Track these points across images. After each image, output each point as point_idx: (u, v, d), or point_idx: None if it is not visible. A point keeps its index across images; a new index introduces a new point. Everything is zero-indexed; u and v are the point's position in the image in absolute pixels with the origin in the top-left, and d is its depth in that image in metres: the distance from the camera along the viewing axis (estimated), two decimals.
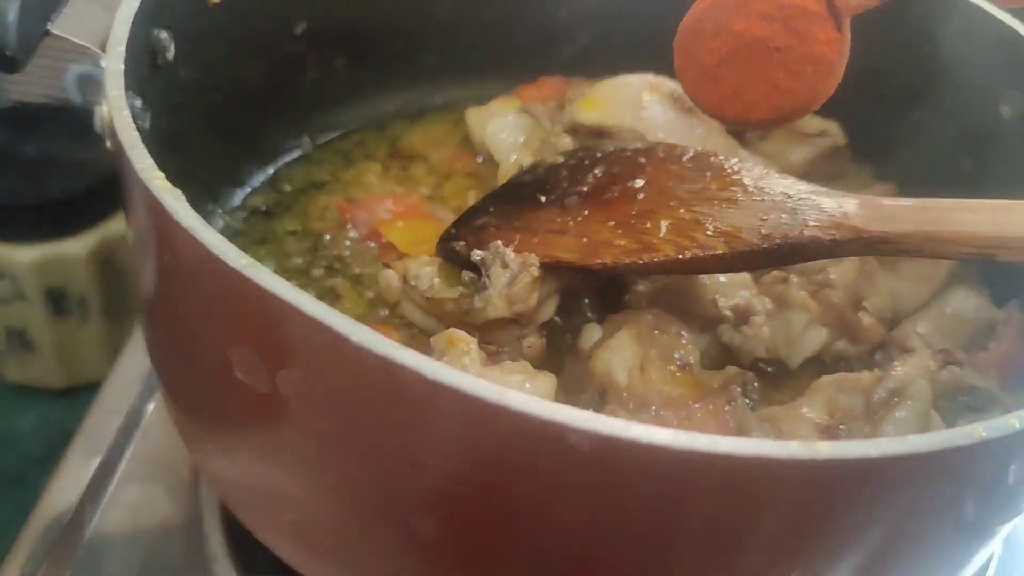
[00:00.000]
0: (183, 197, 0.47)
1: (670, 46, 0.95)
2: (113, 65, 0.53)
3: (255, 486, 0.56)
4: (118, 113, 0.51)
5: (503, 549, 0.47)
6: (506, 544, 0.46)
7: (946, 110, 0.82)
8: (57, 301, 1.09)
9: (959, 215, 0.60)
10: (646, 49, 0.93)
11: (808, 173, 0.87)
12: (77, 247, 1.06)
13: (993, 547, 0.64)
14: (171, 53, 0.65)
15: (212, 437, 0.57)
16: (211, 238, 0.45)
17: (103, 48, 0.56)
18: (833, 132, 0.86)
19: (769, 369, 0.72)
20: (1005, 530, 0.62)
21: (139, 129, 0.57)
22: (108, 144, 0.56)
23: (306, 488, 0.51)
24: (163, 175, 0.48)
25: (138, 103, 0.58)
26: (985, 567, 0.75)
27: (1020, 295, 0.75)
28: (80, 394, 1.09)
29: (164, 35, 0.64)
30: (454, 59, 0.94)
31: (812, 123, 0.86)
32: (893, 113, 0.86)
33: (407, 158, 0.88)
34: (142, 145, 0.50)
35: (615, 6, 0.95)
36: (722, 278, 0.72)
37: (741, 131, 0.88)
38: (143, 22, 0.59)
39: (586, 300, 0.74)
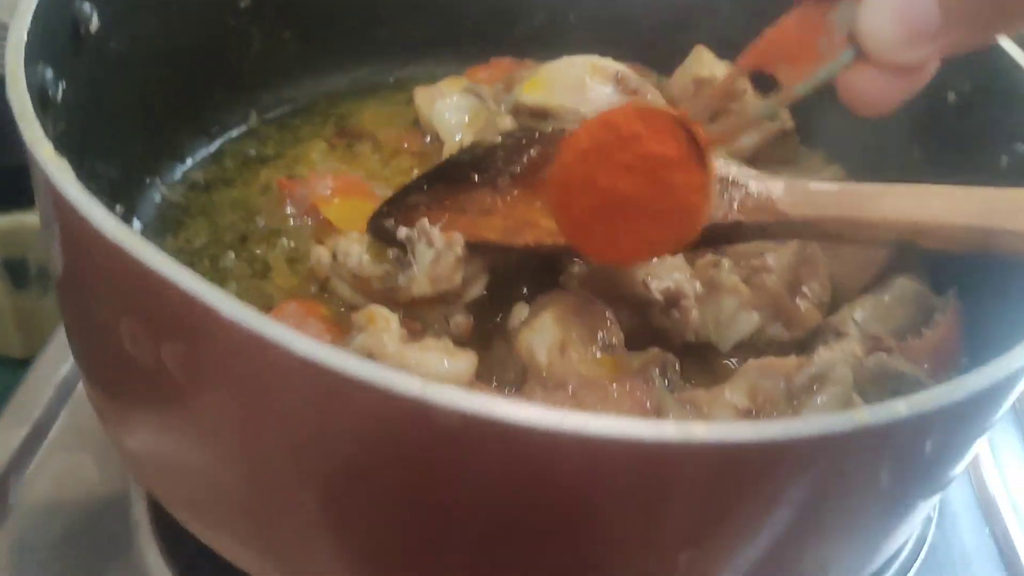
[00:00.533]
0: (69, 168, 0.47)
1: (623, 27, 0.95)
2: (15, 36, 0.53)
3: (158, 459, 0.56)
4: (14, 83, 0.50)
5: (385, 531, 0.46)
6: (387, 526, 0.46)
7: None
8: (17, 271, 1.09)
9: (881, 201, 0.59)
10: (599, 30, 0.94)
11: (758, 157, 0.86)
12: (35, 218, 1.06)
13: (915, 525, 0.63)
14: (94, 24, 0.64)
15: (116, 410, 0.57)
16: (94, 210, 0.45)
17: None
18: (781, 116, 0.85)
19: (700, 352, 0.72)
20: (922, 510, 0.62)
21: (49, 100, 0.57)
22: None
23: (201, 463, 0.51)
24: (50, 145, 0.48)
25: (49, 73, 0.57)
26: (918, 549, 0.75)
27: (959, 283, 0.74)
28: None
29: (86, 5, 0.63)
30: (407, 37, 0.93)
31: (760, 106, 0.85)
32: (838, 99, 0.85)
33: (355, 136, 0.88)
34: (32, 114, 0.49)
35: None
36: (654, 259, 0.71)
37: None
38: None
39: (521, 280, 0.74)
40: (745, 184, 0.63)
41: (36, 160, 0.47)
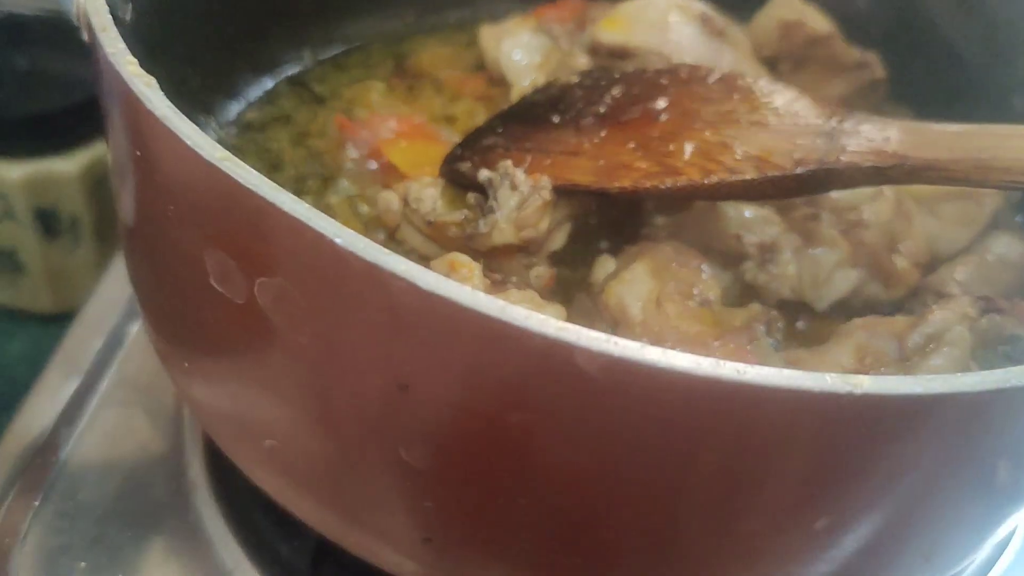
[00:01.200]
0: (156, 84, 0.42)
1: None
2: None
3: (235, 410, 0.51)
4: None
5: (500, 486, 0.42)
6: (504, 480, 0.42)
7: (985, 42, 0.77)
8: (48, 222, 1.04)
9: (1012, 141, 0.55)
10: None
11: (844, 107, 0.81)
12: (69, 165, 1.01)
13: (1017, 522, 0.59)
14: None
15: (190, 357, 0.53)
16: (184, 127, 0.40)
17: None
18: (872, 63, 0.80)
19: (798, 311, 0.67)
20: None
21: (118, 21, 0.53)
22: (84, 34, 0.51)
23: (287, 412, 0.47)
24: (135, 61, 0.43)
25: None
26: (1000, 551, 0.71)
27: None
28: (72, 319, 1.05)
29: None
30: None
31: (851, 53, 0.80)
32: (928, 47, 0.80)
33: (414, 77, 0.83)
34: (115, 29, 0.45)
35: None
36: (747, 212, 0.67)
37: (773, 61, 0.82)
38: None
39: (601, 231, 0.69)
40: (858, 126, 0.59)
41: (119, 76, 0.42)
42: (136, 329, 0.73)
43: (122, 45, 0.44)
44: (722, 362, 0.36)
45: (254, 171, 0.39)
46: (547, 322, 0.36)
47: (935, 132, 0.57)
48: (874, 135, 0.58)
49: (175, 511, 0.63)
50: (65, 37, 1.06)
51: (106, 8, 0.47)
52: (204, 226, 0.43)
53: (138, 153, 0.45)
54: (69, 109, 1.01)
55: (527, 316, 0.36)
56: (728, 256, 0.67)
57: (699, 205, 0.67)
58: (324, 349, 0.42)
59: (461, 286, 0.36)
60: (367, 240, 0.37)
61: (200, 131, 0.40)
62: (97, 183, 1.04)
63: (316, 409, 0.45)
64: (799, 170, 0.57)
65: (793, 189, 0.60)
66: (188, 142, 0.40)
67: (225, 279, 0.43)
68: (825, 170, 0.57)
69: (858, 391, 0.36)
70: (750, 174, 0.58)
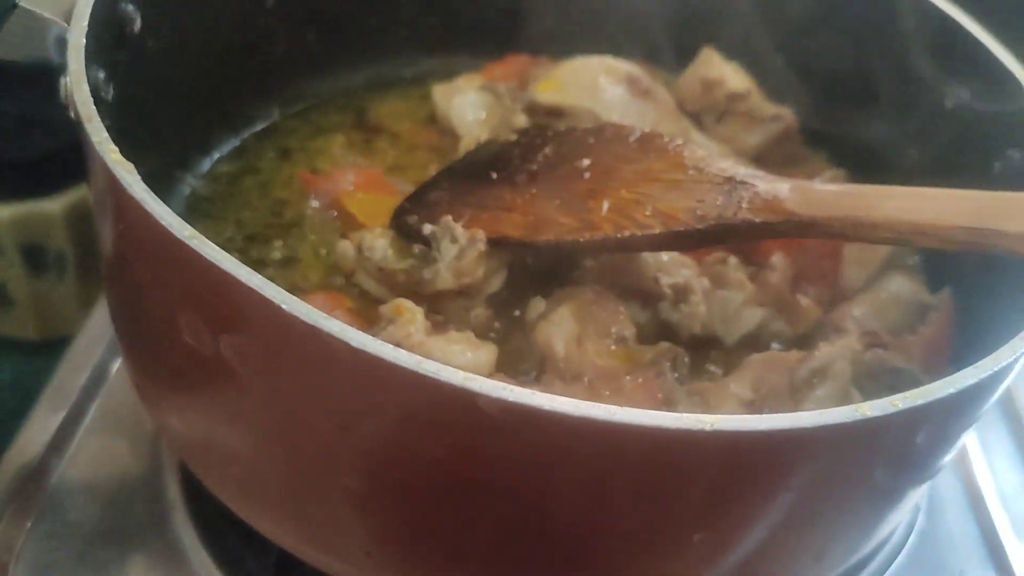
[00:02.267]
0: (135, 171, 0.50)
1: (635, 26, 0.98)
2: (75, 39, 0.56)
3: (205, 441, 0.59)
4: (78, 87, 0.54)
5: (426, 509, 0.50)
6: (427, 503, 0.50)
7: (894, 100, 0.85)
8: (35, 257, 1.11)
9: (883, 202, 0.63)
10: (612, 29, 0.97)
11: (763, 156, 0.90)
12: (55, 205, 1.09)
13: (903, 514, 0.67)
14: (137, 25, 0.67)
15: (165, 396, 0.61)
16: (160, 210, 0.48)
17: (69, 21, 0.59)
18: (785, 116, 0.89)
19: (709, 346, 0.75)
20: (912, 499, 0.66)
21: (101, 100, 0.61)
22: (71, 114, 0.59)
23: (248, 445, 0.55)
24: (117, 149, 0.51)
25: (101, 75, 0.61)
26: (907, 535, 0.79)
27: (953, 282, 0.78)
28: (56, 348, 1.11)
29: (130, 7, 0.66)
30: (424, 34, 0.96)
31: (765, 108, 0.89)
32: (845, 102, 0.89)
33: (372, 130, 0.91)
34: (99, 119, 0.52)
35: None
36: (664, 257, 0.75)
37: (698, 115, 0.91)
38: None
39: (536, 275, 0.77)
40: (754, 184, 0.67)
41: (103, 163, 0.50)
42: (118, 366, 0.80)
43: (105, 135, 0.52)
44: (597, 404, 0.44)
45: (217, 247, 0.47)
46: (456, 373, 0.44)
47: (818, 192, 0.66)
48: (767, 193, 0.66)
49: (154, 529, 0.70)
50: (51, 84, 1.15)
51: (91, 100, 0.54)
52: (176, 291, 0.51)
53: (120, 226, 0.53)
54: (55, 153, 1.08)
55: (439, 369, 0.44)
56: (647, 296, 0.75)
57: (625, 255, 0.75)
58: (278, 394, 0.50)
59: (384, 344, 0.44)
60: (308, 306, 0.45)
61: (172, 212, 0.48)
62: (80, 221, 1.11)
63: (273, 443, 0.53)
64: (700, 225, 0.66)
65: (696, 242, 0.68)
66: (163, 222, 0.47)
67: (195, 334, 0.51)
68: (723, 225, 0.66)
69: (708, 428, 0.44)
70: (657, 229, 0.66)
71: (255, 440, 0.54)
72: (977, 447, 0.88)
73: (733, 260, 0.75)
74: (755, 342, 0.76)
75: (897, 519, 0.67)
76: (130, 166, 0.50)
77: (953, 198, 0.61)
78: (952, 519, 0.82)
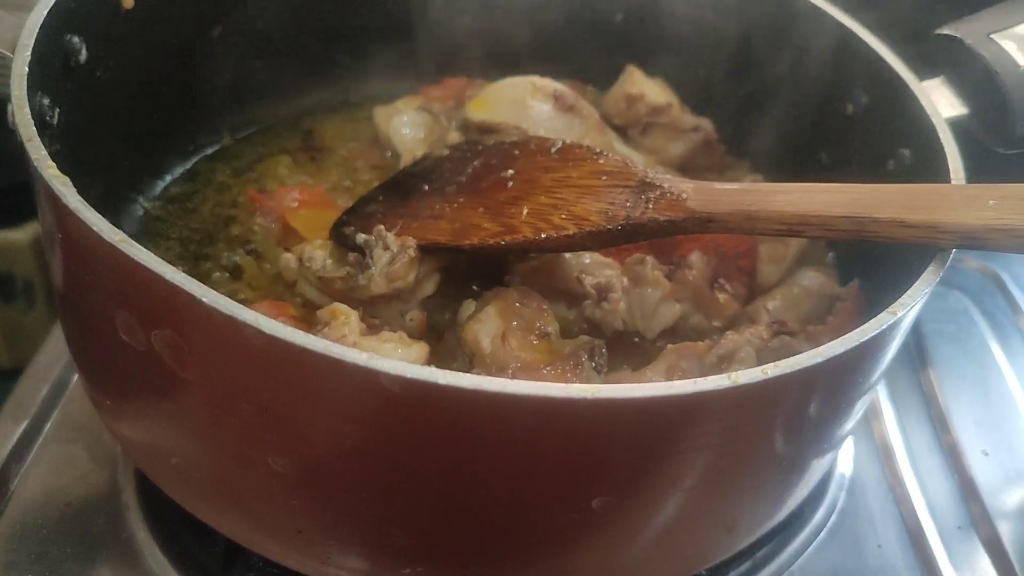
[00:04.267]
0: (71, 183, 0.55)
1: (570, 48, 1.04)
2: (18, 68, 0.61)
3: (147, 435, 0.64)
4: (19, 110, 0.59)
5: (346, 485, 0.55)
6: (347, 479, 0.54)
7: (801, 108, 0.91)
8: (4, 286, 1.16)
9: (773, 198, 0.68)
10: (543, 52, 1.03)
11: (688, 166, 0.96)
12: (22, 235, 1.13)
13: (811, 482, 0.72)
14: (83, 56, 0.72)
15: (111, 396, 0.65)
16: (92, 217, 0.53)
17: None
18: (705, 127, 0.94)
19: (635, 340, 0.80)
20: (817, 467, 0.71)
21: (47, 125, 0.66)
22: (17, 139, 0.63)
23: (186, 437, 0.59)
24: (54, 165, 0.56)
25: (46, 101, 0.65)
26: (829, 512, 0.84)
27: (863, 274, 0.83)
28: None
29: (76, 39, 0.71)
30: (366, 60, 1.02)
31: (686, 119, 0.95)
32: (758, 112, 0.94)
33: (319, 151, 0.96)
34: (39, 139, 0.57)
35: (515, 14, 1.02)
36: (587, 258, 0.80)
37: (624, 128, 0.97)
38: (53, 28, 0.67)
39: (469, 280, 0.82)
40: (660, 185, 0.72)
41: (42, 177, 0.55)
42: (76, 378, 0.85)
43: (44, 152, 0.57)
44: (490, 378, 0.48)
45: (144, 249, 0.51)
46: (360, 354, 0.48)
47: (716, 190, 0.71)
48: (672, 193, 0.71)
49: (110, 528, 0.74)
50: None
51: (31, 121, 0.59)
52: (111, 291, 0.55)
53: (60, 235, 0.57)
54: (21, 184, 1.12)
55: (344, 351, 0.48)
56: (572, 296, 0.80)
57: (548, 257, 0.80)
58: (205, 383, 0.54)
59: (295, 330, 0.49)
60: (226, 298, 0.49)
61: (103, 219, 0.53)
62: None
63: (206, 432, 0.57)
64: (610, 225, 0.71)
65: (609, 241, 0.73)
66: (94, 228, 0.52)
67: (129, 332, 0.55)
68: (632, 224, 0.71)
69: (590, 396, 0.49)
70: (571, 230, 0.71)
71: (191, 431, 0.59)
72: (898, 435, 0.93)
73: (651, 260, 0.80)
74: (675, 336, 0.80)
75: (806, 488, 0.71)
76: (66, 179, 0.55)
77: (834, 191, 0.66)
78: (872, 498, 0.86)
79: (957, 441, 0.92)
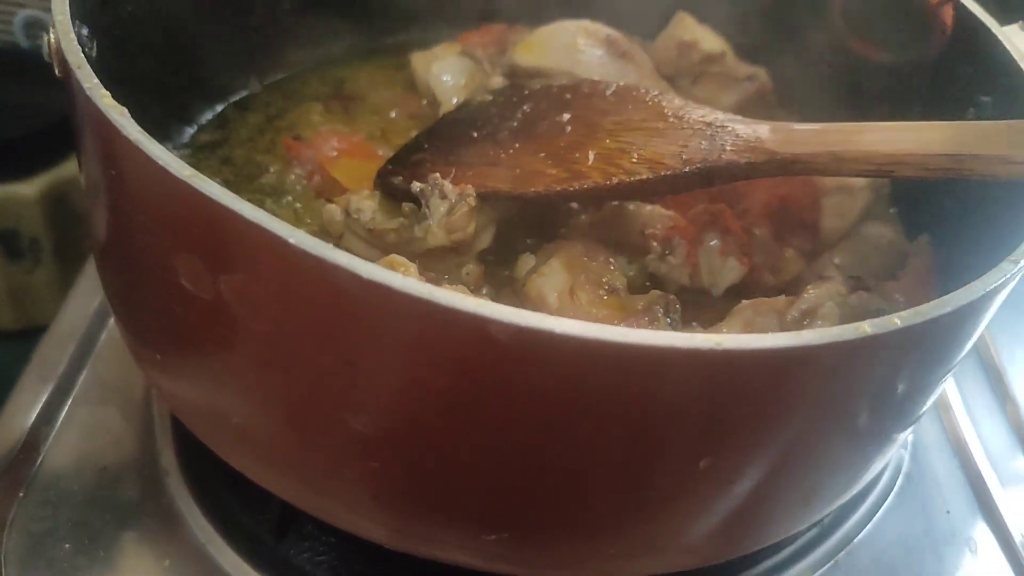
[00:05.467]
0: (128, 113, 0.50)
1: None
2: None
3: (203, 394, 0.59)
4: (65, 36, 0.53)
5: (436, 445, 0.50)
6: (439, 439, 0.50)
7: (868, 58, 0.87)
8: (9, 243, 1.10)
9: (861, 136, 0.64)
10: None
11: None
12: (28, 189, 1.08)
13: (889, 457, 0.69)
14: None
15: (161, 351, 0.60)
16: (156, 150, 0.48)
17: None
18: (760, 77, 0.90)
19: (699, 297, 0.76)
20: (901, 439, 0.68)
21: (86, 55, 0.60)
22: (57, 70, 0.58)
23: (250, 392, 0.54)
24: (108, 93, 0.50)
25: (84, 31, 0.60)
26: (895, 477, 0.81)
27: (931, 230, 0.79)
28: (35, 336, 1.11)
29: None
30: (401, 4, 0.96)
31: (741, 68, 0.90)
32: (818, 63, 0.90)
33: (352, 99, 0.91)
34: (88, 66, 0.52)
35: None
36: (651, 212, 0.76)
37: (673, 77, 0.92)
38: None
39: (524, 232, 0.78)
40: (734, 127, 0.68)
41: (95, 108, 0.50)
42: (105, 336, 0.79)
43: (96, 80, 0.52)
44: (607, 326, 0.44)
45: (217, 184, 0.46)
46: (467, 300, 0.44)
47: (798, 131, 0.67)
48: (748, 135, 0.67)
49: (149, 494, 0.70)
50: (20, 68, 1.13)
51: (79, 48, 0.54)
52: (174, 233, 0.50)
53: (113, 173, 0.52)
54: (28, 137, 1.07)
55: (450, 296, 0.44)
56: (635, 250, 0.75)
57: (609, 206, 0.76)
58: (281, 334, 0.50)
59: (394, 273, 0.44)
60: (315, 239, 0.45)
61: (169, 152, 0.48)
62: (56, 206, 1.10)
63: (275, 387, 0.53)
64: (687, 169, 0.66)
65: (683, 186, 0.68)
66: (159, 162, 0.47)
67: (193, 278, 0.50)
68: (709, 167, 0.66)
69: (719, 347, 0.45)
70: (645, 174, 0.67)
71: (257, 386, 0.54)
72: (957, 396, 0.90)
73: (717, 212, 0.76)
74: (741, 293, 0.77)
75: (882, 462, 0.68)
76: (123, 109, 0.50)
77: (929, 129, 0.63)
78: (936, 462, 0.83)
79: (1016, 400, 0.89)
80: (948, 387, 0.90)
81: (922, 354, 0.54)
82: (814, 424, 0.54)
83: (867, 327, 0.48)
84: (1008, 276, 0.53)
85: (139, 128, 0.49)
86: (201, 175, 0.47)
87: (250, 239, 0.46)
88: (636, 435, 0.48)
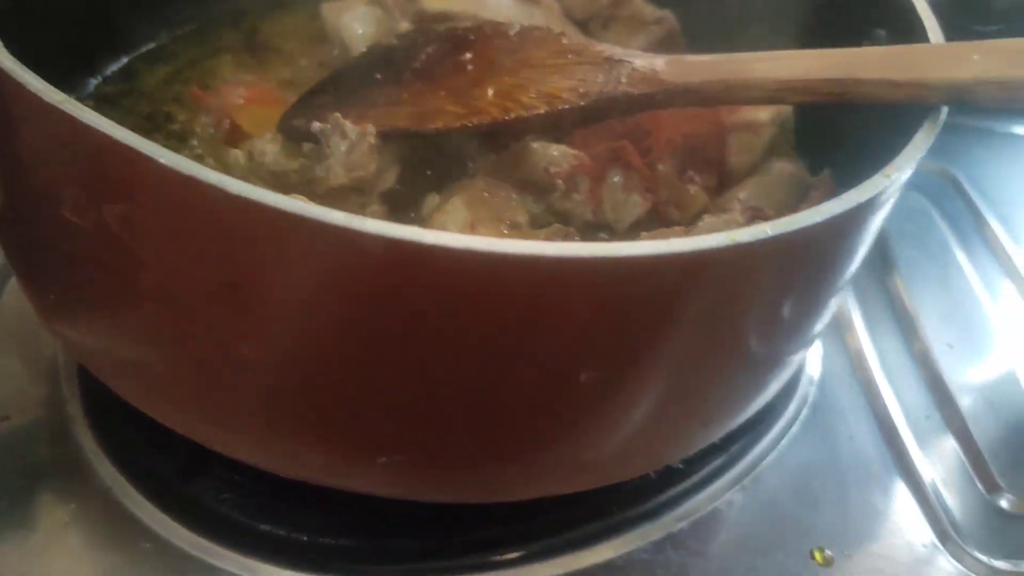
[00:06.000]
0: (2, 46, 0.49)
1: None
2: None
3: (100, 333, 0.59)
4: None
5: (322, 364, 0.51)
6: (324, 360, 0.51)
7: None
8: None
9: (752, 65, 0.66)
10: None
11: None
12: None
13: (785, 378, 0.70)
14: None
15: (56, 291, 0.60)
16: (27, 77, 0.48)
17: None
18: (667, 19, 0.91)
19: (601, 234, 0.78)
20: (796, 361, 0.70)
21: None
22: None
23: (142, 324, 0.55)
24: None
25: None
26: (801, 406, 0.83)
27: (833, 165, 0.81)
28: None
29: None
30: None
31: (649, 11, 0.91)
32: (722, 5, 0.91)
33: (263, 50, 0.91)
34: None
35: None
36: (554, 150, 0.76)
37: (584, 22, 0.93)
38: None
39: (430, 174, 0.78)
40: (631, 61, 0.69)
41: None
42: (9, 286, 0.79)
43: None
44: (479, 237, 0.45)
45: (89, 110, 0.46)
46: (338, 214, 0.44)
47: (691, 62, 0.68)
48: (644, 67, 0.68)
49: (56, 443, 0.70)
50: None
51: None
52: (55, 164, 0.50)
53: None
54: None
55: (321, 211, 0.44)
56: (541, 188, 0.76)
57: (514, 146, 0.77)
58: (166, 260, 0.50)
59: (264, 190, 0.44)
60: (184, 158, 0.45)
61: (40, 78, 0.47)
62: None
63: (166, 317, 0.53)
64: (583, 102, 0.67)
65: (581, 119, 0.69)
66: (31, 89, 0.47)
67: (77, 210, 0.50)
68: (605, 99, 0.67)
69: (586, 255, 0.46)
70: (542, 108, 0.68)
71: (151, 321, 0.54)
72: (863, 328, 0.93)
73: (620, 150, 0.77)
74: (645, 229, 0.78)
75: (777, 385, 0.70)
76: None
77: (817, 56, 0.64)
78: (842, 394, 0.86)
79: (923, 336, 0.92)
80: (856, 323, 0.93)
81: (800, 267, 0.56)
82: (691, 338, 0.55)
83: (736, 235, 0.49)
84: (881, 189, 0.55)
85: (13, 58, 0.49)
86: (73, 100, 0.47)
87: (124, 163, 0.46)
88: (512, 348, 0.49)
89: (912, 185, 1.09)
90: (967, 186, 1.08)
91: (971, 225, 1.05)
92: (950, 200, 1.07)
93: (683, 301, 0.52)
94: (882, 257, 1.00)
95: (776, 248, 0.51)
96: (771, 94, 0.64)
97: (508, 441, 0.56)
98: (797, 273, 0.56)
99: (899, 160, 0.57)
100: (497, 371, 0.51)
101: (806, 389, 0.85)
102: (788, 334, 0.63)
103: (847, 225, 0.56)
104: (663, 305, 0.51)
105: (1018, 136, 1.16)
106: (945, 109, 0.61)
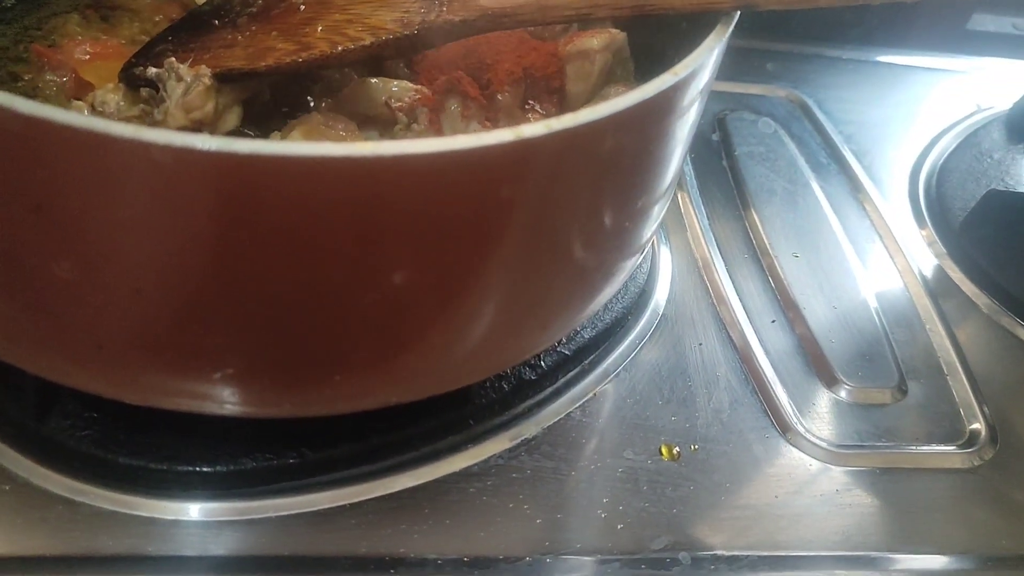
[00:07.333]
0: None
1: None
2: None
3: None
4: None
5: (134, 280, 0.53)
6: (135, 273, 0.53)
7: None
8: None
9: None
10: None
11: None
12: None
13: (620, 283, 0.74)
14: None
15: None
16: None
17: None
18: None
19: None
20: (628, 267, 0.73)
21: None
22: None
23: None
24: None
25: None
26: (654, 319, 0.87)
27: None
28: None
29: None
30: None
31: None
32: None
33: (111, 8, 0.92)
34: None
35: None
36: (395, 86, 0.79)
37: None
38: None
39: (275, 113, 0.80)
40: None
41: None
42: None
43: None
44: (264, 141, 0.47)
45: None
46: (126, 127, 0.46)
47: None
48: None
49: None
50: None
51: None
52: None
53: None
54: None
55: (108, 124, 0.46)
56: (384, 122, 0.79)
57: (354, 83, 0.79)
58: None
59: (53, 108, 0.46)
60: None
61: None
62: None
63: None
64: (406, 31, 0.70)
65: (407, 48, 0.72)
66: None
67: None
68: (428, 27, 0.70)
69: (370, 154, 0.48)
70: (367, 40, 0.70)
71: None
72: (713, 242, 0.97)
73: (459, 82, 0.79)
74: None
75: (613, 288, 0.74)
76: None
77: None
78: (691, 305, 0.90)
79: (769, 246, 0.97)
80: (706, 238, 0.97)
81: (598, 166, 0.59)
82: (510, 239, 0.58)
83: (521, 131, 0.52)
84: (667, 86, 0.58)
85: None
86: None
87: None
88: (313, 253, 0.52)
89: (761, 111, 1.15)
90: (815, 109, 1.14)
91: (819, 145, 1.10)
92: (799, 122, 1.12)
93: (485, 200, 0.55)
94: (734, 176, 1.05)
95: (564, 143, 0.54)
96: (578, 11, 0.68)
97: (344, 349, 0.59)
98: (597, 173, 0.60)
99: (688, 60, 0.61)
100: (301, 280, 0.53)
101: (658, 302, 0.89)
102: (609, 238, 0.67)
103: (638, 123, 0.59)
104: (451, 202, 0.53)
105: (862, 62, 1.21)
106: (737, 13, 0.65)
